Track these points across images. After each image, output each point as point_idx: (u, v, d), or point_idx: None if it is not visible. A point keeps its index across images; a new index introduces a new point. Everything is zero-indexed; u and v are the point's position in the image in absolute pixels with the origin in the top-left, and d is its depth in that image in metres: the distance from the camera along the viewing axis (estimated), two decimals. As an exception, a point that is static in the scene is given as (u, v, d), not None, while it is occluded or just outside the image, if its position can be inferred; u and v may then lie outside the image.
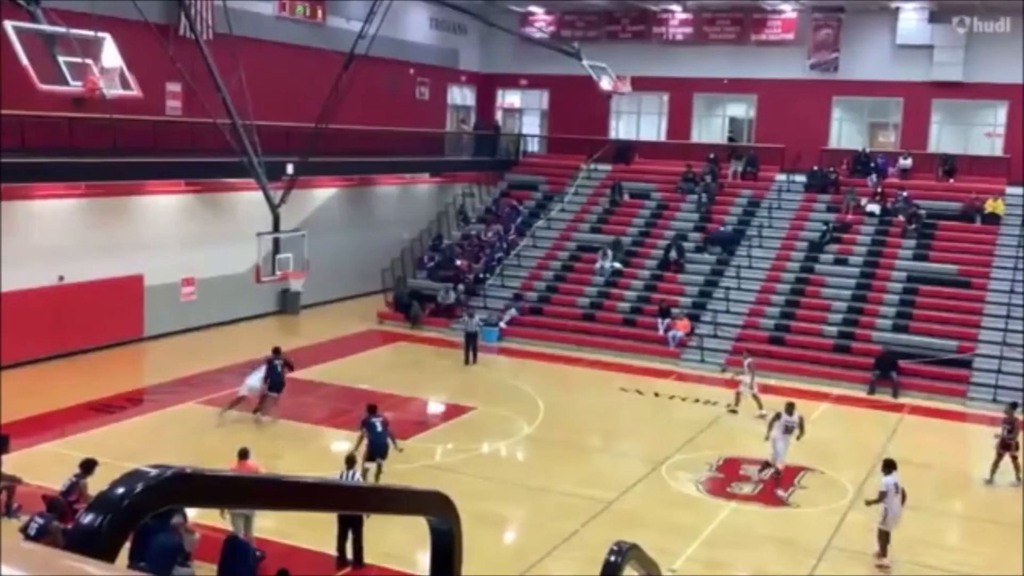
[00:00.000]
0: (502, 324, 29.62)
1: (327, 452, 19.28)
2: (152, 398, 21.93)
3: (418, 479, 16.64)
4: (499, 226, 35.08)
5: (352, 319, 30.57)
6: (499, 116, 42.25)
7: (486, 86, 41.77)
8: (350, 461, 14.44)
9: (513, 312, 30.20)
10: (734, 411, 22.42)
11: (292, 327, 30.12)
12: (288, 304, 31.28)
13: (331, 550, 13.50)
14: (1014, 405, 19.86)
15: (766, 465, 18.01)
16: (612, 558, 2.56)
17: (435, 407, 23.26)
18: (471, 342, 26.48)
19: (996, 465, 18.53)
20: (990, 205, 30.74)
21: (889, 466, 14.62)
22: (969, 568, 14.60)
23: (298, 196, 26.90)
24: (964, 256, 29.22)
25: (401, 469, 17.49)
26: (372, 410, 16.81)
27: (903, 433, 21.74)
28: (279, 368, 20.13)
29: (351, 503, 2.29)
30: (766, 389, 24.59)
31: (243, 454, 14.10)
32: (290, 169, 25.29)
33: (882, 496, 14.21)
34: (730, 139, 36.25)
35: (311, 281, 29.76)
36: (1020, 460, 18.44)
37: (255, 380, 19.99)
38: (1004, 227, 30.16)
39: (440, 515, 2.46)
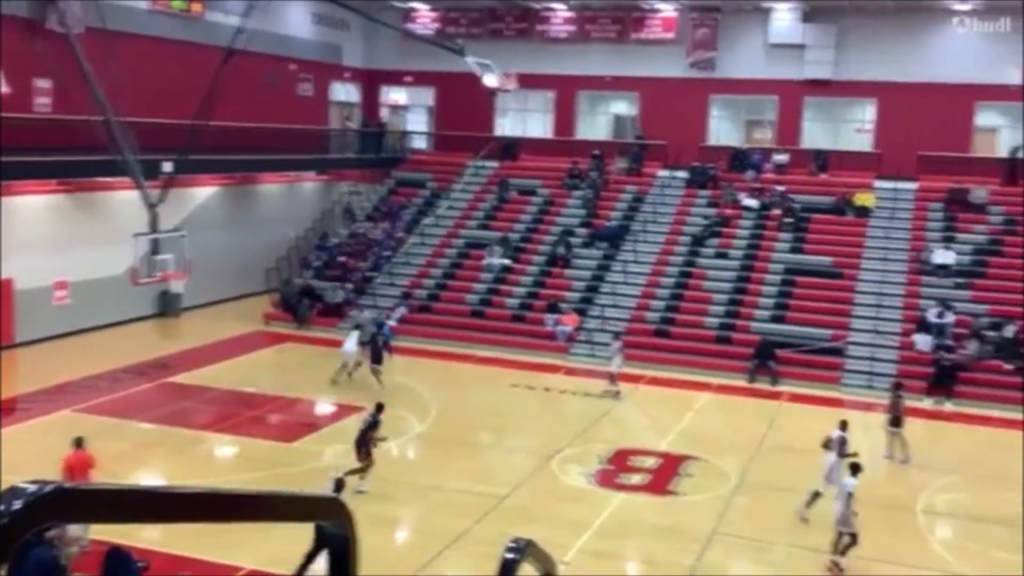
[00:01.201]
0: (391, 322, 29.38)
1: (211, 458, 18.82)
2: (24, 407, 20.97)
3: (307, 482, 16.40)
4: (387, 224, 34.83)
5: (237, 320, 29.90)
6: (384, 113, 41.91)
7: (370, 83, 41.39)
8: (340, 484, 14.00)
9: (402, 310, 30.03)
10: (616, 393, 23.33)
11: (173, 330, 29.28)
12: (169, 306, 30.38)
13: (221, 558, 13.18)
14: (898, 385, 20.92)
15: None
16: (509, 555, 2.57)
17: (324, 408, 22.94)
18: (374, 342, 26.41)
19: (896, 444, 19.61)
20: (860, 198, 32.06)
21: (853, 469, 14.55)
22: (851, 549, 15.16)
23: (177, 195, 26.16)
24: (837, 248, 30.40)
25: (289, 473, 17.24)
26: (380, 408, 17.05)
27: (782, 420, 22.49)
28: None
29: (241, 512, 2.24)
30: (654, 381, 25.19)
31: (78, 442, 13.81)
32: (168, 167, 24.57)
33: (849, 497, 14.16)
34: (637, 137, 36.58)
35: (193, 282, 29.05)
36: (906, 438, 19.46)
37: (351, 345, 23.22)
38: (874, 219, 31.50)
39: (335, 521, 2.42)
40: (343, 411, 21.84)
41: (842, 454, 16.10)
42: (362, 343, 24.42)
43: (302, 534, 2.65)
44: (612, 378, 23.75)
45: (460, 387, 24.27)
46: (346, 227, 35.80)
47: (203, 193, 31.79)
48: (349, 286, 31.28)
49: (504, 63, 33.55)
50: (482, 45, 35.52)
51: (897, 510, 16.89)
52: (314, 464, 17.93)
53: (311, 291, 31.42)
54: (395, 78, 41.35)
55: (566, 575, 12.06)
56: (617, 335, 25.15)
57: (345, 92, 40.91)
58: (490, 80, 32.89)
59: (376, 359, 23.29)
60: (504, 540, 3.06)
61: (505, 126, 40.52)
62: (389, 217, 35.30)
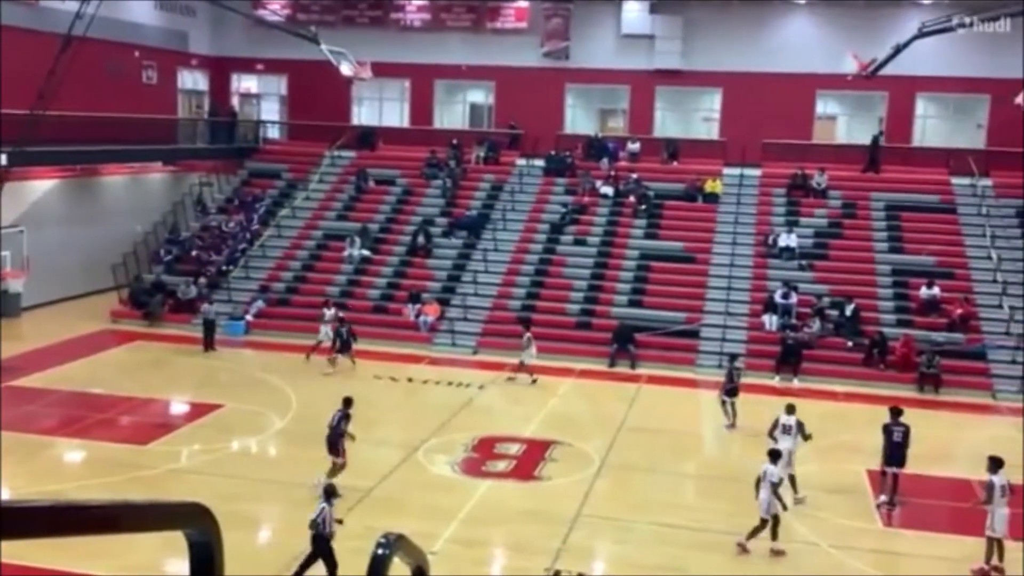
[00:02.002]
0: (248, 317, 28.72)
1: (61, 464, 17.94)
2: None
3: (164, 485, 15.86)
4: (241, 216, 33.91)
5: (82, 319, 28.55)
6: (235, 102, 40.72)
7: (220, 70, 40.11)
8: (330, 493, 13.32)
9: (260, 304, 29.35)
10: (533, 380, 23.95)
11: (13, 331, 27.66)
12: (7, 306, 28.69)
13: (79, 568, 12.57)
14: (734, 357, 22.41)
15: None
16: (380, 551, 2.52)
17: (179, 407, 22.19)
18: (210, 330, 26.05)
19: (726, 411, 20.73)
20: (710, 185, 33.17)
21: (772, 456, 14.85)
22: (705, 524, 15.72)
23: (14, 189, 24.77)
24: (689, 234, 31.37)
25: (145, 476, 16.62)
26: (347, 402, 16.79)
27: (641, 402, 23.09)
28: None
29: (97, 525, 2.12)
30: (516, 368, 25.43)
31: None
32: (2, 159, 23.19)
33: (774, 487, 14.42)
34: (510, 127, 36.45)
35: (33, 281, 27.59)
36: (736, 407, 20.68)
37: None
38: (722, 205, 32.66)
39: (199, 527, 2.33)
40: (199, 410, 21.18)
41: (806, 437, 16.88)
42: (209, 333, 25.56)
43: (161, 539, 2.54)
44: (522, 367, 24.16)
45: (321, 380, 23.87)
46: (198, 220, 34.68)
47: (42, 187, 30.20)
48: (202, 281, 30.30)
49: (359, 51, 33.14)
50: (336, 33, 34.97)
51: (751, 484, 17.55)
52: (171, 466, 17.34)
53: (162, 287, 30.31)
54: (246, 66, 40.21)
55: (435, 565, 12.05)
56: (527, 326, 25.35)
57: (193, 80, 39.52)
58: (345, 68, 32.42)
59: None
60: (371, 533, 3.02)
61: (361, 115, 40.02)
62: (243, 209, 34.37)
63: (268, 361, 25.66)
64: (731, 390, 20.98)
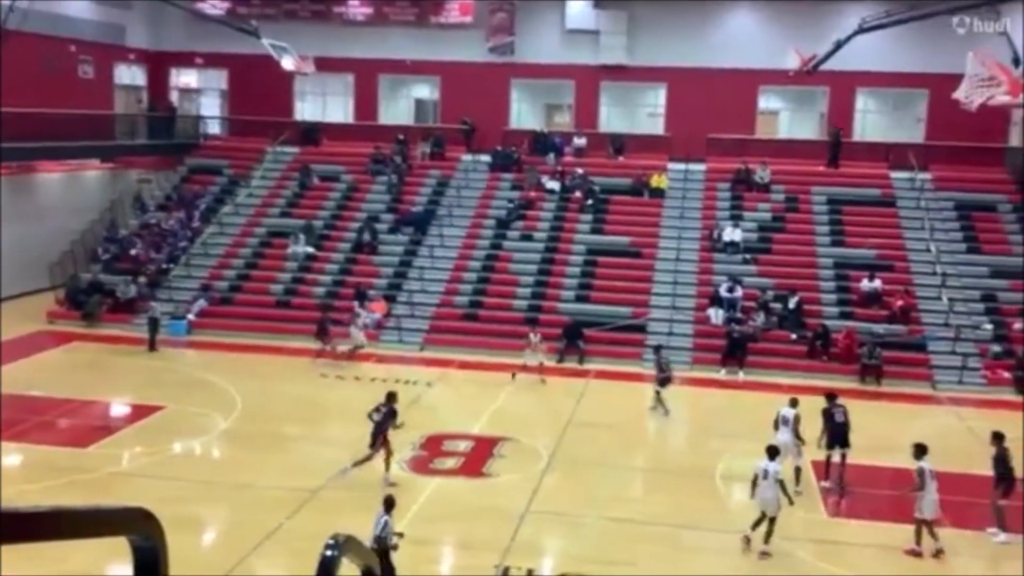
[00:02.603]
0: (191, 316, 28.23)
1: (-4, 469, 17.43)
2: None
3: (106, 489, 15.51)
4: (181, 214, 33.32)
5: (18, 320, 27.78)
6: (175, 97, 40.00)
7: (158, 65, 39.34)
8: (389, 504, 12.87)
9: (202, 303, 28.87)
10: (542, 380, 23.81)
11: (-55, 333, 26.91)
12: (-62, 308, 27.91)
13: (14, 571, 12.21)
14: (658, 348, 22.84)
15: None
16: (328, 552, 2.44)
17: (120, 409, 21.72)
18: (154, 328, 25.83)
19: (659, 400, 21.22)
20: (655, 180, 33.37)
21: (771, 453, 14.83)
22: (652, 517, 15.80)
23: (-56, 186, 24.06)
24: (635, 228, 31.52)
25: (86, 479, 16.24)
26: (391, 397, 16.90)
27: (589, 396, 23.13)
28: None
29: (37, 531, 2.00)
30: (465, 365, 25.36)
31: None
32: (-68, 156, 22.50)
33: (756, 480, 14.44)
34: (463, 123, 36.11)
35: (-35, 281, 26.81)
36: (663, 396, 21.25)
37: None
38: (668, 200, 32.87)
39: (142, 532, 2.22)
40: (141, 411, 20.76)
41: (797, 433, 16.90)
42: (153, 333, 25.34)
43: (104, 544, 2.43)
44: (538, 368, 23.97)
45: (267, 380, 23.58)
46: (137, 218, 34.02)
47: (-27, 184, 29.35)
48: (142, 280, 29.72)
49: (301, 45, 32.83)
50: (277, 26, 34.55)
51: (699, 476, 17.73)
52: (113, 469, 16.96)
53: (100, 287, 29.66)
54: (185, 60, 39.52)
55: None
56: (533, 327, 25.28)
57: (130, 75, 38.70)
58: (287, 63, 32.06)
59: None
60: (319, 534, 2.93)
61: (304, 110, 39.58)
62: (184, 206, 33.77)
63: (211, 361, 25.25)
64: (663, 380, 21.41)
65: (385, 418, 16.69)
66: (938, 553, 14.26)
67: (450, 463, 18.06)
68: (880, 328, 26.70)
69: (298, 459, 18.36)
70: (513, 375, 23.74)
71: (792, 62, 31.66)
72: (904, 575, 13.89)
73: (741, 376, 25.35)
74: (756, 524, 14.20)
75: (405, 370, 24.96)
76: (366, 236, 31.48)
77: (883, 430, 19.92)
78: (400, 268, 30.64)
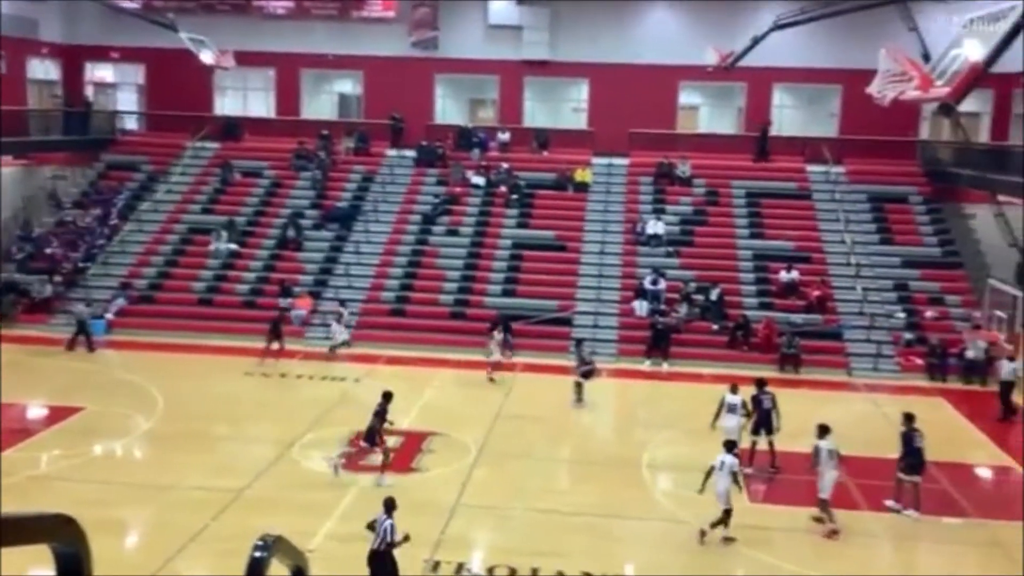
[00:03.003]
0: (109, 315, 27.62)
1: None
2: None
3: (25, 493, 15.13)
4: (98, 211, 32.56)
5: (-73, 323, 26.89)
6: (90, 92, 39.00)
7: (72, 59, 38.31)
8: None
9: (121, 302, 28.28)
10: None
11: None
12: None
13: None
14: (580, 341, 23.23)
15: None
16: (257, 553, 2.49)
17: (37, 411, 21.17)
18: (81, 330, 25.42)
19: (578, 392, 21.67)
20: (579, 175, 33.67)
21: (728, 446, 14.99)
22: (579, 507, 16.00)
23: None
24: (560, 222, 31.78)
25: (4, 484, 15.79)
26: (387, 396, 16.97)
27: (517, 390, 23.28)
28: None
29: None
30: (392, 360, 25.30)
31: None
32: None
33: (710, 472, 14.59)
34: (392, 119, 35.65)
35: None
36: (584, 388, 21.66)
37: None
38: (592, 194, 33.21)
39: (64, 539, 2.24)
40: (59, 413, 20.27)
41: (748, 415, 17.37)
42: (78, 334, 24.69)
43: (23, 551, 2.43)
44: (496, 365, 23.91)
45: (190, 379, 23.21)
46: (52, 215, 33.14)
47: None
48: (58, 279, 28.98)
49: (220, 39, 32.34)
50: (195, 20, 33.94)
51: (625, 466, 18.01)
52: (31, 473, 16.54)
53: (14, 286, 28.83)
54: (100, 54, 38.54)
55: (313, 563, 11.87)
56: (494, 326, 25.17)
57: (44, 69, 37.61)
58: (206, 57, 31.53)
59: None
60: (245, 534, 2.97)
61: (225, 105, 38.96)
62: (101, 203, 33.00)
63: (131, 361, 24.78)
64: (586, 372, 21.71)
65: (378, 417, 16.78)
66: (833, 533, 14.82)
67: (379, 459, 18.00)
68: (798, 318, 27.39)
69: (222, 459, 18.15)
70: (491, 378, 23.66)
71: (710, 58, 32.30)
72: (825, 558, 14.31)
73: (665, 367, 25.77)
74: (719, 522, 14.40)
75: (332, 366, 24.81)
76: (290, 232, 31.17)
77: (802, 417, 20.33)
78: (326, 264, 30.43)
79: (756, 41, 30.50)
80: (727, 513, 14.29)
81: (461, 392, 23.50)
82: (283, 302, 28.09)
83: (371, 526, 12.26)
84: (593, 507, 15.94)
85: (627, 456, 18.60)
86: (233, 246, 30.80)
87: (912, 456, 15.84)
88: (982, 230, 30.20)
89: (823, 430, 15.42)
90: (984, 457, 19.86)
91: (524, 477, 17.47)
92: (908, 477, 15.84)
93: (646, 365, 25.88)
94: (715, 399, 19.06)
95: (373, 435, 16.69)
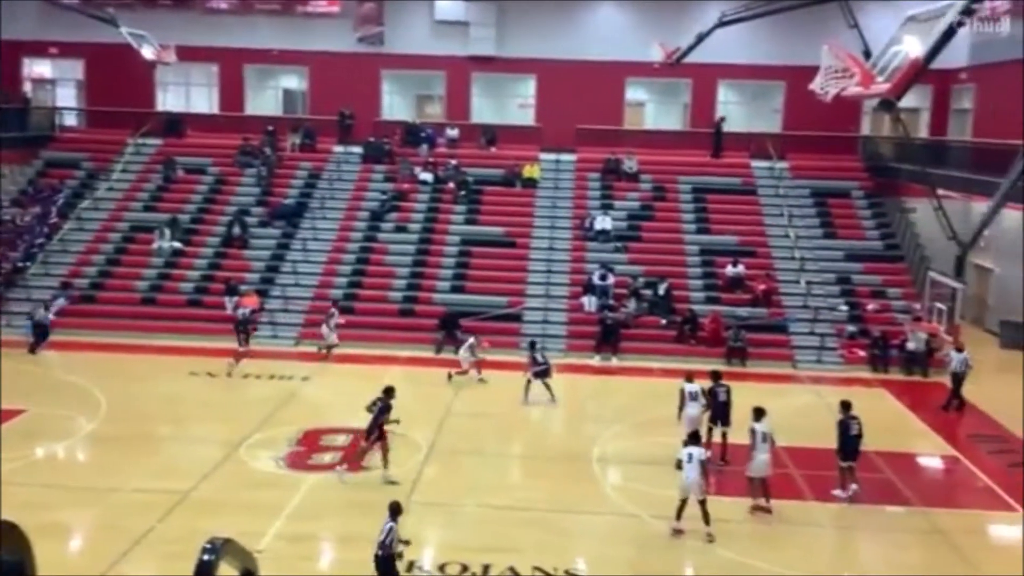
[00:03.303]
0: (50, 316, 27.02)
1: None
2: None
3: (-39, 499, 14.74)
4: (37, 209, 31.86)
5: None
6: (28, 87, 38.15)
7: (9, 55, 37.37)
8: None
9: (61, 302, 27.70)
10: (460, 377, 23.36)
11: None
12: None
13: None
14: (532, 344, 23.07)
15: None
16: (205, 556, 2.45)
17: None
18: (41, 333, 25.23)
19: (527, 389, 21.67)
20: (527, 171, 33.73)
21: (693, 438, 15.10)
22: (530, 503, 16.04)
23: None
24: (508, 218, 31.80)
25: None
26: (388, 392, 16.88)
27: (467, 387, 23.24)
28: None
29: None
30: (342, 358, 25.13)
31: None
32: None
33: (679, 464, 14.61)
34: (343, 116, 35.29)
35: None
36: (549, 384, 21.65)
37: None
38: (540, 190, 33.28)
39: (7, 546, 2.19)
40: (-1, 417, 19.81)
41: (706, 406, 17.44)
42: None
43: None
44: (474, 367, 23.51)
45: (134, 380, 22.83)
46: (-11, 214, 32.36)
47: None
48: (-3, 279, 28.33)
49: (161, 34, 31.87)
50: (136, 15, 33.41)
51: (575, 460, 18.10)
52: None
53: (-49, 287, 28.12)
54: (38, 49, 37.75)
55: (262, 564, 11.74)
56: (443, 326, 25.12)
57: (-21, 65, 36.71)
58: (147, 52, 31.05)
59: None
60: (192, 536, 2.93)
61: (167, 101, 38.39)
62: (40, 201, 32.30)
63: (73, 362, 24.30)
64: (541, 372, 21.70)
65: (380, 412, 16.61)
66: (755, 509, 15.36)
67: (328, 458, 17.89)
68: (744, 311, 27.74)
69: (168, 460, 17.90)
70: (481, 379, 23.41)
71: (656, 55, 32.54)
72: (771, 547, 14.50)
73: (614, 361, 25.94)
74: (680, 512, 14.52)
75: (280, 365, 24.56)
76: (236, 230, 30.79)
77: (748, 409, 20.67)
78: (272, 262, 30.11)
79: (701, 38, 30.81)
80: (702, 504, 14.37)
81: (412, 389, 23.28)
82: (228, 300, 27.75)
83: (407, 541, 12.39)
84: (544, 502, 15.99)
85: (577, 451, 18.69)
86: (177, 244, 30.37)
87: (849, 443, 16.22)
88: (922, 224, 30.83)
89: (758, 413, 15.82)
90: (925, 446, 20.27)
91: (475, 473, 17.47)
92: (844, 463, 16.16)
93: (595, 360, 26.02)
94: (664, 393, 19.31)
95: (372, 430, 16.58)
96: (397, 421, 16.91)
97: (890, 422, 21.66)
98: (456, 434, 19.53)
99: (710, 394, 17.92)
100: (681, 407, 17.97)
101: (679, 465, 14.58)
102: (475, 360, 23.53)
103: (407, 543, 12.22)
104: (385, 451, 16.68)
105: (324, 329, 25.68)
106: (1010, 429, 20.97)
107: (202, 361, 24.36)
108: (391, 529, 12.02)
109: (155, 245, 30.20)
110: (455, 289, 28.96)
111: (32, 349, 25.01)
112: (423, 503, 15.83)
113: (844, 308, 28.13)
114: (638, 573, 13.65)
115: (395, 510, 12.33)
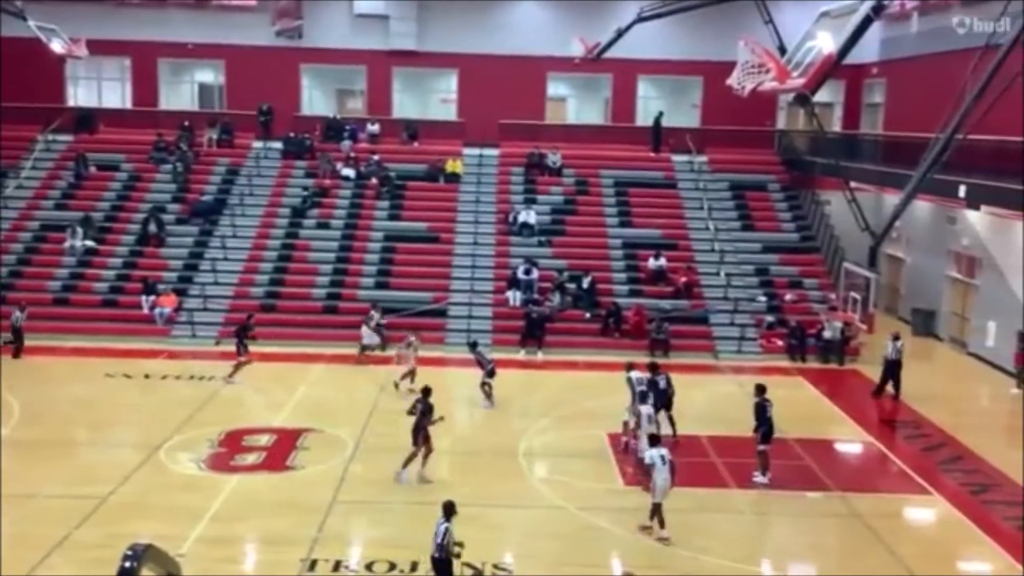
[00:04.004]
0: (-44, 319, 26.11)
1: None
2: None
3: None
4: (-59, 208, 30.70)
5: None
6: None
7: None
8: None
9: (-31, 304, 26.75)
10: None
11: None
12: None
13: None
14: (474, 344, 22.70)
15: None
16: (127, 563, 2.38)
17: None
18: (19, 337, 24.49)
19: (487, 393, 21.26)
20: (450, 165, 33.64)
21: (654, 440, 14.88)
22: (456, 497, 15.93)
23: None
24: (432, 214, 31.69)
25: None
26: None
27: (392, 384, 23.09)
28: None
29: None
30: (264, 357, 24.75)
31: None
32: None
33: (650, 468, 14.41)
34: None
35: None
36: (491, 388, 21.24)
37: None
38: (464, 185, 33.24)
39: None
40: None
41: (643, 399, 17.39)
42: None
43: None
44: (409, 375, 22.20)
45: (47, 383, 22.16)
46: None
47: None
48: (-101, 281, 27.21)
49: (72, 27, 30.91)
50: (44, 7, 32.20)
51: (502, 455, 18.12)
52: None
53: None
54: (-61, 42, 36.28)
55: (183, 567, 11.48)
56: (412, 330, 23.82)
57: None
58: (56, 46, 30.12)
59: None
60: (112, 542, 2.85)
61: (78, 96, 37.33)
62: (-56, 200, 31.13)
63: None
64: (491, 371, 21.36)
65: (422, 414, 16.31)
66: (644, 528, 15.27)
67: (251, 458, 17.63)
68: (666, 304, 28.09)
69: (85, 464, 17.43)
70: (400, 385, 22.10)
71: (577, 50, 32.73)
72: (693, 534, 14.70)
73: (540, 356, 26.04)
74: (662, 519, 14.34)
75: (200, 365, 24.10)
76: (152, 228, 30.11)
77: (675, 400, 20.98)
78: (191, 260, 29.52)
79: (620, 33, 31.08)
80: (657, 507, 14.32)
81: (336, 387, 23.18)
82: (145, 300, 27.13)
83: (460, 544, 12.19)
84: (471, 497, 15.93)
85: (504, 445, 18.71)
86: (90, 243, 29.61)
87: (764, 425, 16.65)
88: (836, 216, 31.59)
89: (644, 397, 17.18)
90: (842, 433, 20.78)
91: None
92: (762, 446, 16.48)
93: (521, 354, 26.08)
94: (589, 385, 19.41)
95: (417, 433, 16.28)
96: (441, 418, 16.83)
97: (808, 409, 22.18)
98: (382, 431, 19.38)
99: (651, 385, 18.23)
100: (633, 399, 17.84)
101: (647, 470, 14.43)
102: (414, 358, 22.46)
103: (461, 545, 12.09)
104: (428, 452, 16.43)
105: (364, 330, 24.97)
106: (923, 414, 21.64)
107: (118, 362, 23.79)
108: (447, 530, 11.91)
109: (67, 244, 29.40)
110: (379, 285, 28.76)
111: (15, 354, 24.16)
112: (350, 501, 15.70)
113: (763, 299, 28.70)
114: (566, 565, 13.71)
115: (449, 510, 12.16)
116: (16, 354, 24.34)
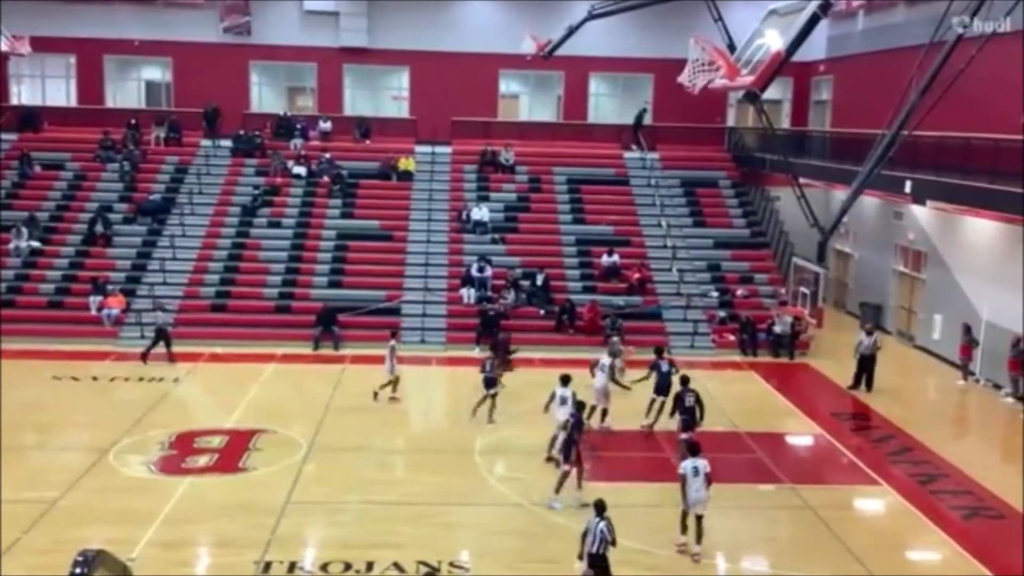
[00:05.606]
0: None
1: None
2: None
3: None
4: None
5: None
6: None
7: None
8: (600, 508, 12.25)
9: (-91, 307, 26.10)
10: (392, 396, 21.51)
11: None
12: None
13: None
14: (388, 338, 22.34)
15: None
16: (78, 569, 2.33)
17: None
18: None
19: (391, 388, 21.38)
20: (403, 163, 33.51)
21: (694, 449, 14.36)
22: (414, 497, 15.97)
23: None
24: (385, 212, 31.54)
25: None
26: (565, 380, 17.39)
27: (347, 382, 22.99)
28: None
29: None
30: (215, 358, 24.49)
31: None
32: None
33: (681, 480, 13.98)
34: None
35: None
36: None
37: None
38: (416, 183, 33.13)
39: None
40: None
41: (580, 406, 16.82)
42: None
43: None
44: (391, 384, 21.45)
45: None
46: None
47: None
48: None
49: (14, 24, 30.30)
50: (-15, 3, 31.60)
51: (457, 453, 18.09)
52: None
53: None
54: None
55: (135, 572, 11.31)
56: (393, 333, 22.83)
57: None
58: (-1, 43, 29.50)
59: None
60: (61, 547, 2.79)
61: (22, 94, 36.60)
62: None
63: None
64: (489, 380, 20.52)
65: (574, 428, 15.64)
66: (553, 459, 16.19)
67: (202, 460, 17.41)
68: (620, 300, 28.25)
69: (32, 469, 17.07)
70: (394, 397, 21.43)
71: (528, 47, 32.74)
72: (646, 530, 14.79)
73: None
74: (684, 526, 14.09)
75: (149, 367, 23.75)
76: (98, 227, 29.61)
77: (625, 395, 21.11)
78: (139, 260, 29.09)
79: (572, 31, 31.15)
80: (700, 520, 14.00)
81: (289, 387, 22.99)
82: (93, 301, 26.68)
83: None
84: (427, 496, 15.94)
85: (460, 443, 18.68)
86: (35, 243, 29.05)
87: (685, 414, 17.22)
88: (786, 211, 31.98)
89: (564, 380, 17.50)
90: (793, 426, 21.05)
91: (356, 470, 17.26)
92: (683, 435, 16.46)
93: (476, 352, 26.00)
94: (544, 383, 19.31)
95: (570, 449, 15.54)
96: (589, 431, 17.02)
97: (759, 403, 22.46)
98: (336, 430, 19.28)
99: (653, 368, 19.41)
100: (547, 407, 17.69)
101: (683, 481, 13.89)
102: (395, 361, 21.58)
103: (613, 543, 12.10)
104: (581, 471, 15.75)
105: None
106: (872, 407, 21.99)
107: (66, 364, 23.38)
108: (608, 527, 12.01)
109: (12, 245, 28.83)
110: (332, 284, 28.56)
111: None
112: (304, 502, 15.58)
113: (714, 294, 28.97)
114: (523, 562, 13.73)
115: (601, 507, 12.24)
116: None
